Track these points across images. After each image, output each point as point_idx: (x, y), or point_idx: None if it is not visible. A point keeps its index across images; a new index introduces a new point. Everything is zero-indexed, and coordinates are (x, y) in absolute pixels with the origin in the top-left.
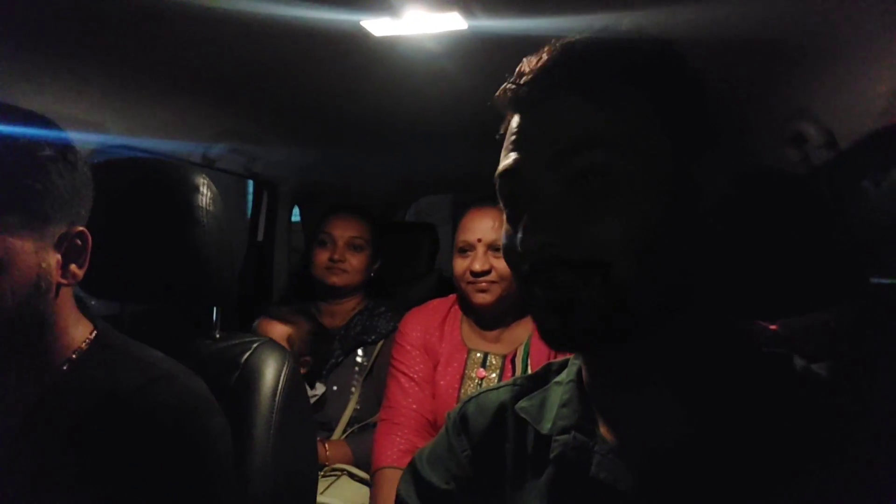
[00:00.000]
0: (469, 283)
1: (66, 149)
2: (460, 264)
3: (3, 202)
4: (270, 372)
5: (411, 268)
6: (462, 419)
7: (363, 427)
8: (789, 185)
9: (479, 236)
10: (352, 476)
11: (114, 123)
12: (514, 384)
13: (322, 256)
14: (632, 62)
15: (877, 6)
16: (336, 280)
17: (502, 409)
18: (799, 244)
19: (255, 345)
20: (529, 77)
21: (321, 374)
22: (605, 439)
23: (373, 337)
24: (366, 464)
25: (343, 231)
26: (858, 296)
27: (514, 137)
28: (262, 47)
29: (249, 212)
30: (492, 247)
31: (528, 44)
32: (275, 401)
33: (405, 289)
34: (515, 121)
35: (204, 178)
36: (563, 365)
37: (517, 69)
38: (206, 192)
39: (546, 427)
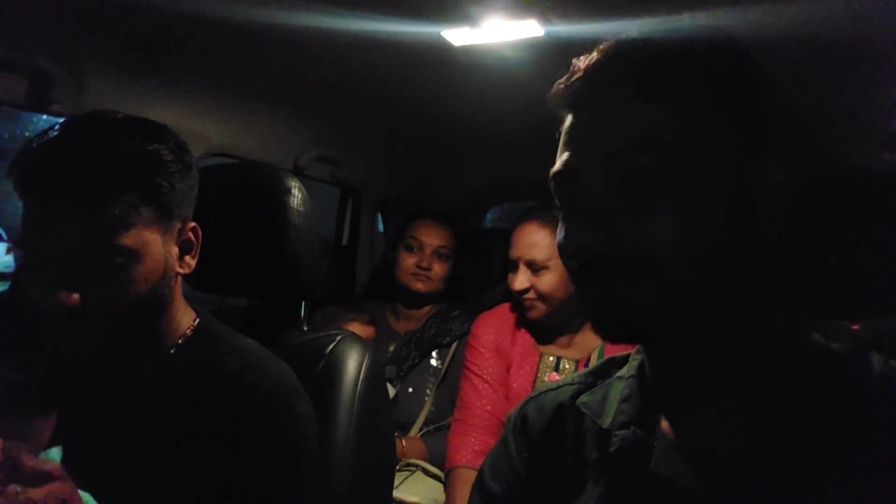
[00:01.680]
0: (517, 299)
1: (182, 153)
2: (510, 279)
3: (140, 199)
4: (353, 363)
5: (486, 274)
6: (522, 420)
7: (438, 428)
8: (874, 183)
9: (519, 254)
10: (426, 472)
11: (217, 134)
12: (573, 382)
13: (409, 261)
14: (691, 59)
15: None
16: (421, 287)
17: (562, 407)
18: (883, 243)
19: (338, 337)
20: (582, 75)
21: (398, 375)
22: (666, 435)
23: (447, 339)
24: (440, 462)
25: (431, 238)
26: None
27: (567, 136)
28: (348, 61)
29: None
30: (531, 265)
31: None
32: (356, 391)
33: (479, 294)
34: (569, 120)
35: (295, 182)
36: (626, 359)
37: (571, 67)
38: (297, 195)
39: (606, 422)
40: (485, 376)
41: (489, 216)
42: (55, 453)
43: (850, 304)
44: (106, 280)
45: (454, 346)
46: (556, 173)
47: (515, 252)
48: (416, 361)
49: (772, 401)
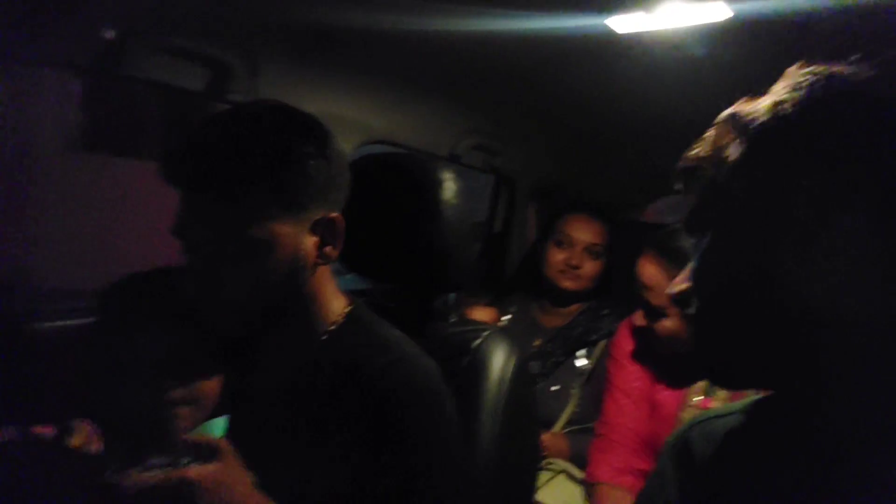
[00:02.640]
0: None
1: (324, 145)
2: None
3: (269, 193)
4: (500, 360)
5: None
6: (685, 448)
7: (583, 430)
8: None
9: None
10: (570, 476)
11: (377, 123)
12: (744, 411)
13: (557, 257)
14: None
15: None
16: (569, 285)
17: (733, 436)
18: None
19: (486, 332)
20: None
21: (541, 371)
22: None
23: (594, 337)
24: (582, 464)
25: (583, 235)
26: None
27: None
28: (508, 52)
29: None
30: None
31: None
32: (502, 390)
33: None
34: None
35: (450, 173)
36: None
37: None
38: (450, 187)
39: None
40: (627, 391)
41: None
42: (220, 423)
43: None
44: (238, 271)
45: (602, 344)
46: None
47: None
48: (562, 359)
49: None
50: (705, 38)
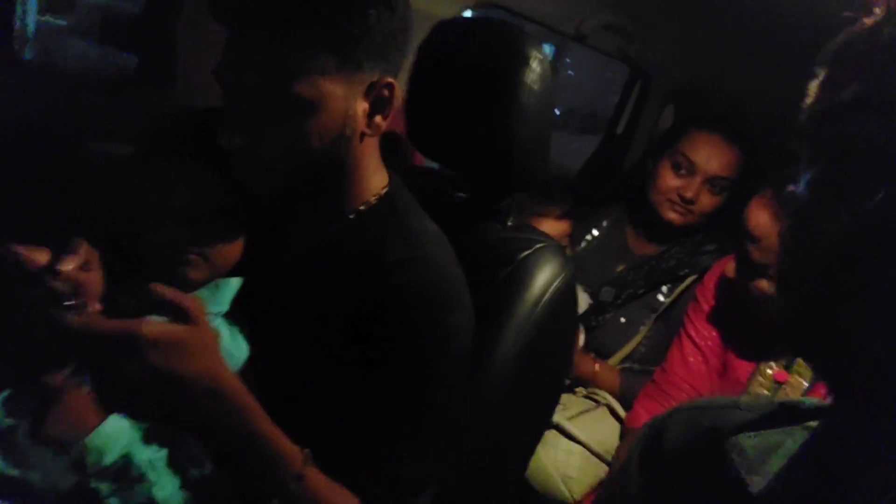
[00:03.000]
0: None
1: None
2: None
3: (321, 44)
4: (543, 278)
5: None
6: (656, 436)
7: (642, 371)
8: None
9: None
10: (612, 413)
11: None
12: (736, 406)
13: (669, 182)
14: None
15: None
16: (674, 218)
17: (713, 434)
18: None
19: (536, 245)
20: None
21: (614, 301)
22: None
23: (686, 271)
24: (628, 405)
25: (708, 161)
26: None
27: None
28: None
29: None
30: (710, 180)
31: None
32: (535, 310)
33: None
34: None
35: (538, 52)
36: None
37: None
38: (535, 68)
39: (757, 484)
40: (700, 342)
41: None
42: (234, 284)
43: None
44: (276, 128)
45: (689, 281)
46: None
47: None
48: (641, 292)
49: None
50: None
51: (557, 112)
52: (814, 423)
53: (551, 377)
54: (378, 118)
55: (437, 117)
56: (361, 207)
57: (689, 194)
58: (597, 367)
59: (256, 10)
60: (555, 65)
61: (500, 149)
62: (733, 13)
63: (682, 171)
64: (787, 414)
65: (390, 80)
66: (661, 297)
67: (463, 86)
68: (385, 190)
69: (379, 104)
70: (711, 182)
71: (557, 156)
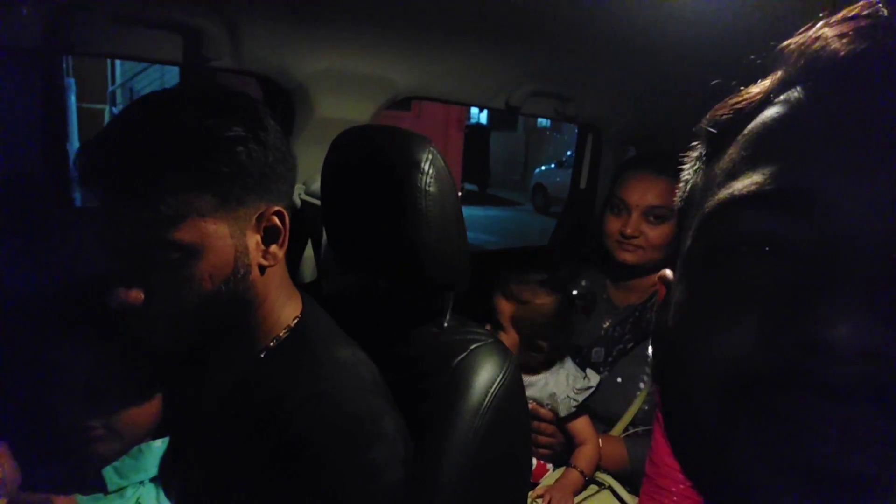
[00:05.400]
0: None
1: (256, 127)
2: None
3: (193, 187)
4: (481, 383)
5: None
6: None
7: (648, 432)
8: None
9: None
10: (615, 495)
11: (404, 76)
12: None
13: (612, 226)
14: None
15: None
16: (628, 257)
17: None
18: None
19: (471, 346)
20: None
21: (605, 360)
22: None
23: None
24: (640, 474)
25: (640, 197)
26: None
27: (799, 136)
28: None
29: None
30: (648, 214)
31: None
32: (476, 420)
33: None
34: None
35: (428, 154)
36: None
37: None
38: (428, 170)
39: None
40: None
41: None
42: (160, 445)
43: None
44: (165, 278)
45: None
46: (769, 195)
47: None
48: (630, 346)
49: None
50: None
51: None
52: None
53: (506, 489)
54: (273, 248)
55: (350, 226)
56: (272, 343)
57: (628, 230)
58: (601, 443)
59: (122, 171)
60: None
61: (410, 254)
62: (666, 56)
63: (622, 213)
64: None
65: (278, 208)
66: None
67: (366, 193)
68: (296, 320)
69: (271, 234)
70: (647, 214)
71: None
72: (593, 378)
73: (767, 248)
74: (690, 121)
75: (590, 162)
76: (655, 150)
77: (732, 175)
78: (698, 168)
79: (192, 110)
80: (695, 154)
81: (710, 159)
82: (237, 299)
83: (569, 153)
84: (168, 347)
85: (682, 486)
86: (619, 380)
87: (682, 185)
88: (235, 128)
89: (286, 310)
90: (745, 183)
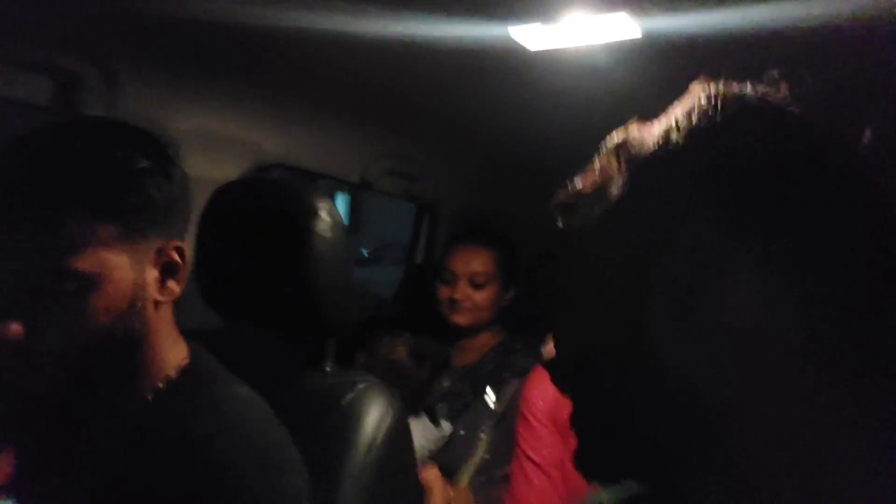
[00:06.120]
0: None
1: (163, 161)
2: (444, 291)
3: (98, 215)
4: (371, 419)
5: None
6: None
7: (491, 479)
8: None
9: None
10: None
11: (272, 144)
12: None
13: (443, 294)
14: None
15: None
16: (460, 319)
17: None
18: None
19: (359, 386)
20: None
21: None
22: None
23: (505, 374)
24: None
25: (464, 266)
26: None
27: None
28: (414, 66)
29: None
30: (472, 281)
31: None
32: (370, 457)
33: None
34: None
35: (325, 203)
36: None
37: None
38: (325, 218)
39: None
40: (537, 459)
41: None
42: None
43: None
44: (56, 311)
45: (515, 384)
46: None
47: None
48: (469, 400)
49: None
50: (618, 56)
51: (365, 252)
52: None
53: None
54: (171, 283)
55: (230, 278)
56: (161, 385)
57: (456, 296)
58: (451, 493)
59: (23, 194)
60: (358, 208)
61: (303, 300)
62: (497, 149)
63: (449, 281)
64: None
65: (178, 243)
66: (489, 403)
67: (256, 245)
68: (186, 361)
69: (170, 269)
70: (472, 280)
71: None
72: (447, 428)
73: None
74: (519, 201)
75: (426, 240)
76: (478, 226)
77: None
78: None
79: (103, 139)
80: None
81: None
82: (130, 336)
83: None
84: (41, 391)
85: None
86: (462, 433)
87: None
88: (145, 160)
89: (174, 350)
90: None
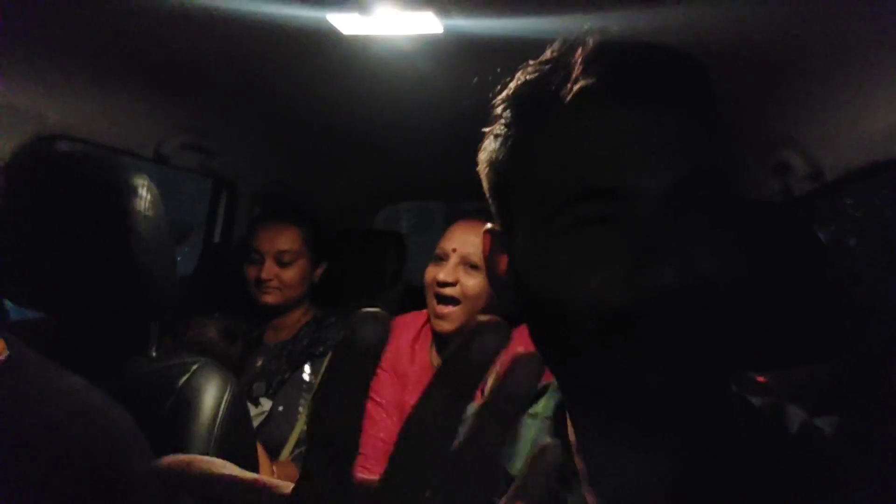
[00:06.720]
0: (434, 293)
1: None
2: (430, 272)
3: None
4: (210, 399)
5: (374, 279)
6: None
7: None
8: (779, 219)
9: (455, 246)
10: None
11: (56, 112)
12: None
13: (251, 274)
14: (704, 76)
15: (881, 38)
16: (269, 299)
17: None
18: (789, 286)
19: (194, 367)
20: (620, 72)
21: (267, 392)
22: (584, 489)
23: (321, 349)
24: None
25: (270, 245)
26: (855, 350)
27: (608, 147)
28: (224, 39)
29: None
30: (465, 261)
31: (509, 47)
32: (213, 432)
33: (367, 301)
34: (602, 124)
35: (143, 179)
36: (535, 395)
37: (555, 59)
38: (145, 195)
39: (516, 467)
40: (379, 399)
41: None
42: None
43: (759, 356)
44: None
45: (329, 357)
46: (600, 191)
47: (449, 244)
48: (287, 376)
49: (700, 456)
50: (423, 49)
51: None
52: (534, 409)
53: None
54: None
55: (31, 261)
56: None
57: (263, 275)
58: (274, 469)
59: None
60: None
61: (127, 283)
62: (302, 128)
63: (256, 260)
64: None
65: None
66: (306, 377)
67: (65, 226)
68: (4, 355)
69: None
70: (279, 258)
71: None
72: (266, 404)
73: (608, 221)
74: (322, 181)
75: (224, 218)
76: (282, 202)
77: (561, 173)
78: (509, 157)
79: None
80: (499, 142)
81: (520, 151)
82: None
83: None
84: None
85: (379, 453)
86: (281, 408)
87: (490, 167)
88: None
89: None
90: (576, 184)
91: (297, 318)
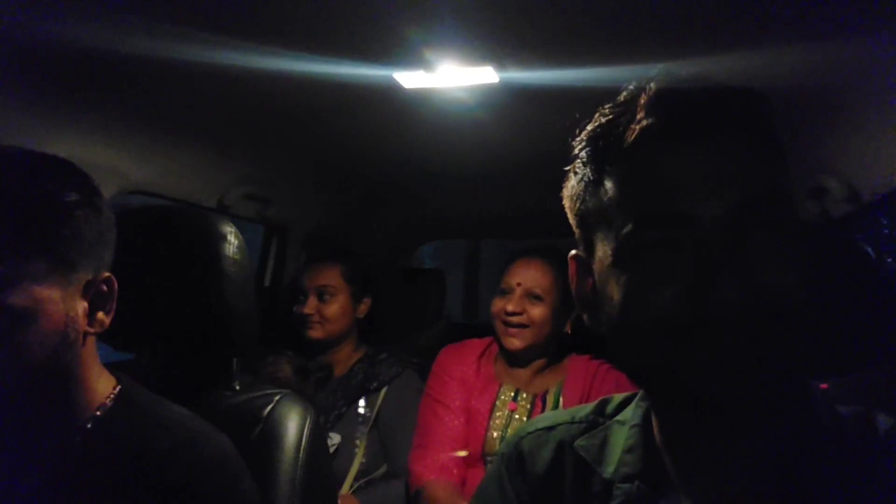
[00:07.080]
0: (503, 321)
1: (91, 193)
2: (498, 303)
3: (28, 249)
4: (293, 427)
5: (418, 315)
6: (519, 458)
7: (370, 481)
8: (830, 238)
9: (520, 280)
10: None
11: (134, 170)
12: (571, 420)
13: (297, 311)
14: (761, 112)
15: None
16: (314, 334)
17: (561, 447)
18: (845, 299)
19: (276, 397)
20: (675, 112)
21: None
22: (673, 491)
23: (375, 384)
24: None
25: (312, 281)
26: None
27: (667, 179)
28: (282, 97)
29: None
30: (529, 293)
31: (558, 95)
32: (298, 457)
33: (413, 336)
34: (662, 159)
35: (231, 227)
36: (622, 403)
37: (624, 103)
38: (233, 241)
39: (609, 471)
40: (446, 402)
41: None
42: None
43: (819, 365)
44: None
45: (383, 391)
46: (661, 216)
47: (514, 279)
48: (343, 410)
49: (789, 461)
50: (478, 99)
51: None
52: (621, 416)
53: None
54: (100, 314)
55: (129, 308)
56: (98, 413)
57: (306, 310)
58: (340, 502)
59: None
60: None
61: (217, 321)
62: (348, 175)
63: (301, 298)
64: (602, 409)
65: (107, 274)
66: (361, 410)
67: (166, 271)
68: (118, 388)
69: (99, 300)
70: (319, 293)
71: None
72: (336, 438)
73: (670, 245)
74: (364, 223)
75: (274, 262)
76: (326, 244)
77: (628, 203)
78: (586, 191)
79: (28, 173)
80: (578, 178)
81: (595, 185)
82: (63, 369)
83: None
84: None
85: (446, 444)
86: (337, 441)
87: (572, 201)
88: (72, 193)
89: (101, 379)
90: (640, 213)
91: (347, 354)
